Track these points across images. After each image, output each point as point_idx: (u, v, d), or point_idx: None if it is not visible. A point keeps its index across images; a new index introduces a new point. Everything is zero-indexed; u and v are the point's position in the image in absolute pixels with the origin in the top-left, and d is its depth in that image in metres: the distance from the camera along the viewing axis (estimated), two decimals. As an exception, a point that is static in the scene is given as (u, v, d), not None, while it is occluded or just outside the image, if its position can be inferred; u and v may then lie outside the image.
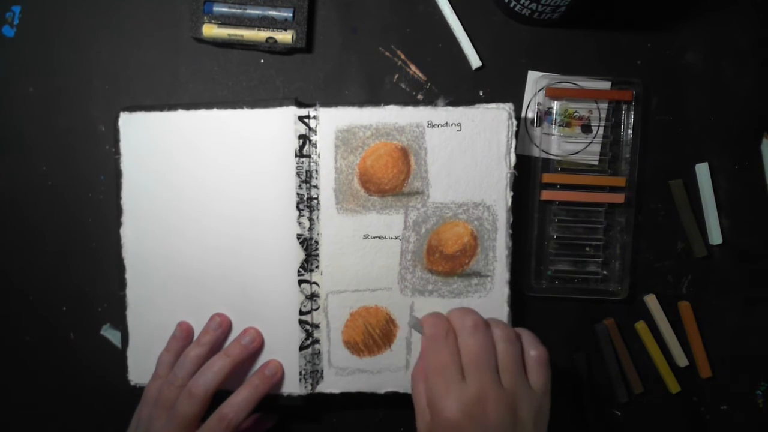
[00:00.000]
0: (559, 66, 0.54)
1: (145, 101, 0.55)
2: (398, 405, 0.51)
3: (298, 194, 0.50)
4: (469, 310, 0.45)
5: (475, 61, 0.54)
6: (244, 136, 0.50)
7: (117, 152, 0.52)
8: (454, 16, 0.54)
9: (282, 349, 0.51)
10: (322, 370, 0.51)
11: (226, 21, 0.53)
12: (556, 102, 0.54)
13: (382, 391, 0.51)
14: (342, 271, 0.51)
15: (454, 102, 0.51)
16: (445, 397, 0.41)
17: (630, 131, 0.53)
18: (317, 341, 0.51)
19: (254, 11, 0.53)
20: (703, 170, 0.54)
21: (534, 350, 0.44)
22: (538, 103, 0.54)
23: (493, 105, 0.50)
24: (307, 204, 0.50)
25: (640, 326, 0.55)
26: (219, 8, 0.53)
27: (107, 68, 0.55)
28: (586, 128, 0.54)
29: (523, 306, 0.54)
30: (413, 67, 0.54)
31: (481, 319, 0.44)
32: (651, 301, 0.54)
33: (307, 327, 0.51)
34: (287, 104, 0.50)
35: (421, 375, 0.44)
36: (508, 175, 0.50)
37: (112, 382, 0.54)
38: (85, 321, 0.56)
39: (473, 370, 0.42)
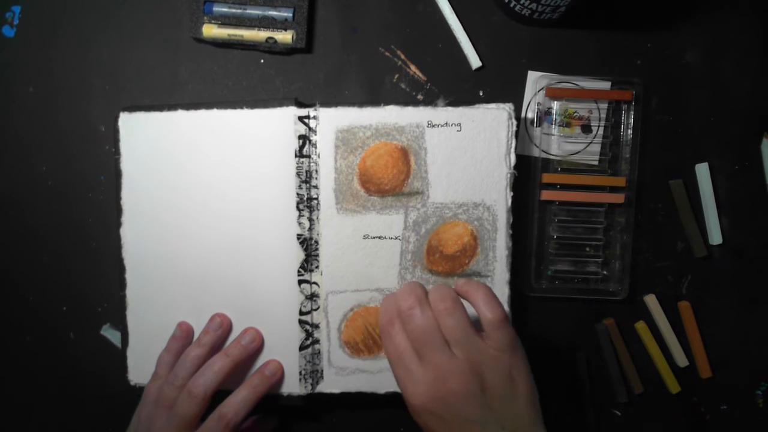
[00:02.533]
0: (559, 66, 0.54)
1: (145, 101, 0.55)
2: (398, 405, 0.51)
3: (298, 194, 0.50)
4: (409, 287, 0.43)
5: (475, 61, 0.54)
6: (244, 136, 0.50)
7: (117, 152, 0.52)
8: (454, 16, 0.54)
9: (282, 349, 0.51)
10: (322, 370, 0.51)
11: (226, 21, 0.53)
12: (556, 102, 0.54)
13: (382, 391, 0.51)
14: (342, 271, 0.51)
15: (454, 102, 0.51)
16: (408, 386, 0.41)
17: (630, 131, 0.53)
18: (317, 341, 0.51)
19: (254, 11, 0.53)
20: (703, 170, 0.54)
21: (489, 312, 0.41)
22: (538, 103, 0.54)
23: (493, 105, 0.50)
24: (307, 204, 0.50)
25: (640, 326, 0.55)
26: (219, 8, 0.53)
27: (107, 68, 0.55)
28: (586, 128, 0.54)
29: (523, 306, 0.54)
30: (413, 67, 0.54)
31: (418, 296, 0.42)
32: (651, 301, 0.54)
33: (307, 327, 0.51)
34: (287, 104, 0.50)
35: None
36: (508, 175, 0.50)
37: (112, 382, 0.54)
38: (85, 321, 0.56)
39: (423, 352, 0.41)
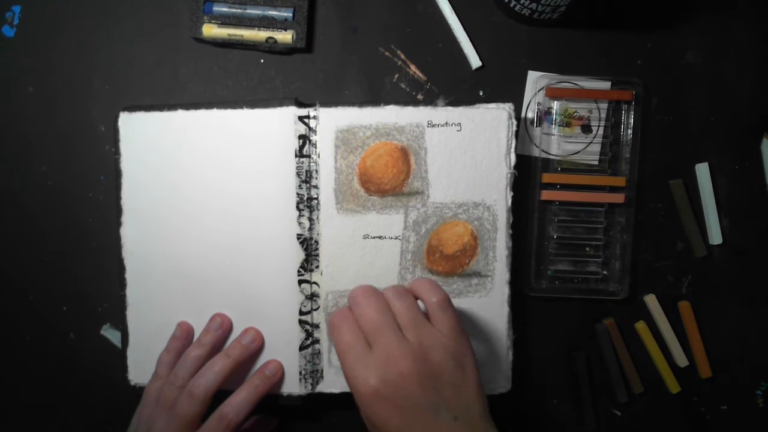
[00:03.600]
0: (559, 66, 0.54)
1: (145, 101, 0.55)
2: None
3: (298, 194, 0.50)
4: (362, 285, 0.44)
5: (475, 61, 0.54)
6: (244, 136, 0.50)
7: (117, 152, 0.52)
8: (454, 16, 0.54)
9: (282, 349, 0.51)
10: (322, 370, 0.51)
11: (226, 21, 0.53)
12: (556, 102, 0.54)
13: (382, 391, 0.51)
14: (342, 271, 0.51)
15: (454, 102, 0.51)
16: (358, 373, 0.40)
17: (630, 131, 0.53)
18: (317, 341, 0.51)
19: (254, 11, 0.53)
20: (703, 170, 0.54)
21: (434, 296, 0.43)
22: (538, 103, 0.54)
23: (493, 105, 0.50)
24: (307, 204, 0.50)
25: (640, 326, 0.55)
26: (219, 8, 0.53)
27: (107, 68, 0.55)
28: (586, 128, 0.54)
29: (523, 306, 0.54)
30: (413, 67, 0.54)
31: (370, 286, 0.44)
32: (651, 301, 0.54)
33: (307, 327, 0.51)
34: (287, 104, 0.50)
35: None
36: (508, 175, 0.50)
37: (112, 382, 0.54)
38: (85, 321, 0.56)
39: (375, 336, 0.41)
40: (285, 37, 0.53)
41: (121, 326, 0.52)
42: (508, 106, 0.50)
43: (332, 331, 0.43)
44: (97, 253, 0.56)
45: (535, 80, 0.54)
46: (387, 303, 0.43)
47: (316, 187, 0.50)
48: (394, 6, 0.54)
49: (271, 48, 0.54)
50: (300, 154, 0.50)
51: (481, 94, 0.54)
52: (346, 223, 0.50)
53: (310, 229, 0.50)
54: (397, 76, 0.55)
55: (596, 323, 0.55)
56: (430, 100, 0.54)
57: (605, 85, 0.53)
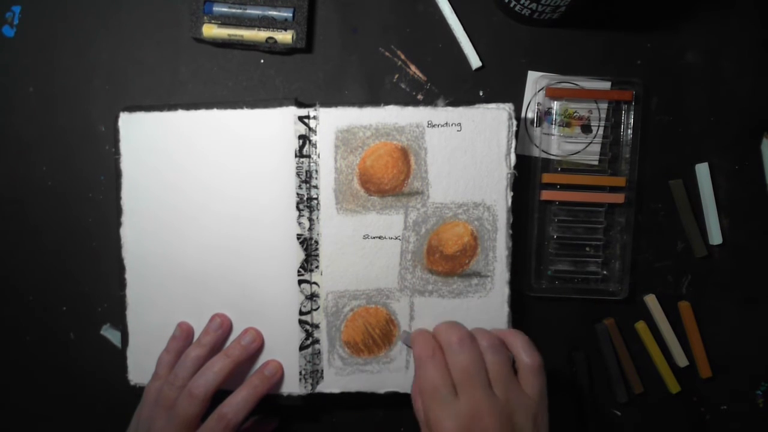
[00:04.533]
0: (559, 66, 0.54)
1: (145, 101, 0.55)
2: (398, 405, 0.51)
3: (298, 194, 0.50)
4: (455, 324, 0.45)
5: (475, 61, 0.54)
6: (244, 136, 0.50)
7: (117, 152, 0.52)
8: (454, 16, 0.54)
9: (282, 349, 0.51)
10: (322, 370, 0.51)
11: (226, 21, 0.53)
12: (556, 102, 0.54)
13: (382, 391, 0.51)
14: (342, 271, 0.51)
15: (454, 102, 0.51)
16: (440, 418, 0.41)
17: (630, 131, 0.53)
18: (317, 341, 0.51)
19: (254, 11, 0.53)
20: (703, 170, 0.54)
21: (528, 357, 0.43)
22: (538, 103, 0.54)
23: (493, 105, 0.50)
24: (307, 204, 0.50)
25: (640, 326, 0.55)
26: (219, 8, 0.53)
27: (107, 68, 0.55)
28: (586, 128, 0.54)
29: (523, 306, 0.54)
30: (413, 67, 0.54)
31: (467, 332, 0.44)
32: (651, 301, 0.54)
33: (307, 327, 0.51)
34: (287, 104, 0.50)
35: (417, 393, 0.44)
36: (508, 175, 0.50)
37: (112, 382, 0.54)
38: (85, 321, 0.56)
39: (464, 386, 0.42)
40: (285, 37, 0.53)
41: (121, 326, 0.52)
42: (508, 106, 0.50)
43: (419, 366, 0.44)
44: (97, 253, 0.56)
45: (535, 80, 0.54)
46: (481, 353, 0.43)
47: (316, 187, 0.50)
48: (394, 6, 0.54)
49: (271, 48, 0.54)
50: (300, 154, 0.50)
51: (481, 94, 0.54)
52: (346, 223, 0.50)
53: (310, 229, 0.50)
54: (397, 76, 0.55)
55: (596, 323, 0.55)
56: (430, 101, 0.54)
57: (605, 85, 0.53)
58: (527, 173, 0.54)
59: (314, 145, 0.50)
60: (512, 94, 0.54)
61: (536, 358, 0.43)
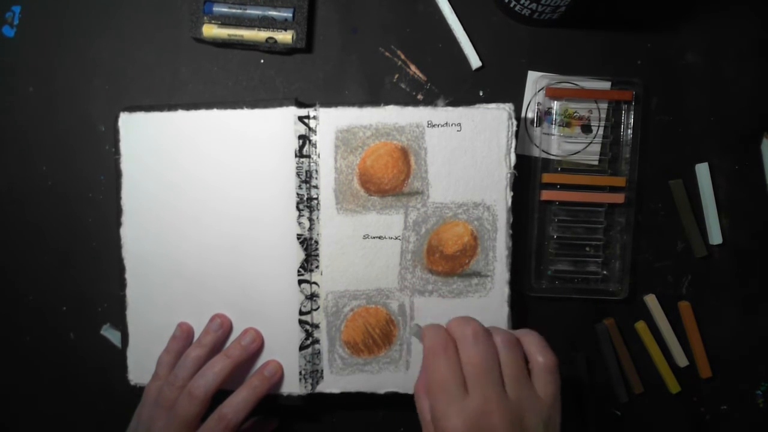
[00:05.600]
0: (559, 66, 0.54)
1: (145, 101, 0.55)
2: (398, 405, 0.51)
3: (298, 194, 0.50)
4: (469, 318, 0.43)
5: (475, 61, 0.54)
6: (244, 136, 0.50)
7: (117, 152, 0.52)
8: (454, 16, 0.54)
9: (282, 349, 0.51)
10: (322, 370, 0.51)
11: (226, 21, 0.53)
12: (556, 102, 0.54)
13: (381, 391, 0.51)
14: (342, 271, 0.51)
15: (454, 102, 0.51)
16: (448, 414, 0.39)
17: (630, 131, 0.53)
18: (317, 341, 0.51)
19: (254, 11, 0.53)
20: (703, 170, 0.54)
21: (542, 357, 0.41)
22: (538, 103, 0.54)
23: (493, 105, 0.50)
24: (307, 204, 0.50)
25: (640, 326, 0.55)
26: (219, 8, 0.53)
27: (107, 68, 0.55)
28: (586, 128, 0.54)
29: (523, 306, 0.54)
30: (413, 67, 0.54)
31: (482, 327, 0.42)
32: (651, 301, 0.54)
33: (307, 327, 0.51)
34: (287, 104, 0.50)
35: (422, 390, 0.42)
36: (508, 175, 0.50)
37: (112, 382, 0.54)
38: (85, 321, 0.56)
39: (476, 383, 0.40)
40: (285, 37, 0.53)
41: (121, 326, 0.52)
42: (508, 106, 0.50)
43: (429, 357, 0.41)
44: (97, 253, 0.56)
45: (535, 80, 0.54)
46: (495, 349, 0.41)
47: (316, 187, 0.50)
48: (394, 6, 0.54)
49: (271, 48, 0.54)
50: (300, 154, 0.50)
51: (481, 94, 0.54)
52: (346, 223, 0.50)
53: (310, 229, 0.50)
54: (397, 76, 0.55)
55: (596, 323, 0.55)
56: (430, 100, 0.54)
57: (605, 85, 0.53)
58: (527, 173, 0.54)
59: (314, 145, 0.50)
60: (512, 94, 0.54)
61: (552, 358, 0.41)
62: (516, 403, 0.40)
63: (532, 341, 0.42)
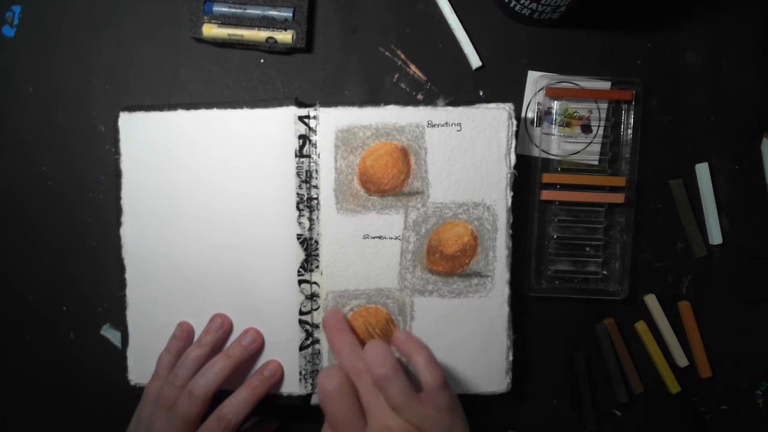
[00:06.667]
0: (559, 66, 0.54)
1: (145, 101, 0.55)
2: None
3: (298, 194, 0.50)
4: (358, 354, 0.45)
5: (475, 61, 0.54)
6: (244, 136, 0.50)
7: (117, 152, 0.52)
8: (454, 16, 0.54)
9: (282, 349, 0.51)
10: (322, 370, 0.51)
11: (226, 21, 0.53)
12: (556, 102, 0.54)
13: (382, 391, 0.51)
14: (342, 271, 0.51)
15: (454, 102, 0.51)
16: None
17: (630, 131, 0.53)
18: (317, 341, 0.51)
19: (254, 11, 0.53)
20: (703, 170, 0.54)
21: (431, 378, 0.43)
22: (538, 103, 0.54)
23: (493, 105, 0.50)
24: (307, 204, 0.50)
25: (640, 326, 0.55)
26: (219, 8, 0.53)
27: (107, 68, 0.55)
28: (586, 128, 0.54)
29: (523, 306, 0.54)
30: (413, 67, 0.54)
31: (361, 365, 0.44)
32: (651, 301, 0.54)
33: (307, 327, 0.51)
34: (287, 104, 0.50)
35: (328, 429, 0.45)
36: (508, 175, 0.50)
37: (112, 382, 0.54)
38: (85, 321, 0.56)
39: (370, 415, 0.43)
40: (285, 37, 0.53)
41: (121, 326, 0.52)
42: (508, 106, 0.50)
43: (326, 398, 0.44)
44: (97, 253, 0.56)
45: (535, 80, 0.54)
46: (376, 382, 0.43)
47: (316, 187, 0.50)
48: (394, 6, 0.54)
49: (271, 48, 0.54)
50: (300, 154, 0.50)
51: (481, 94, 0.54)
52: (346, 223, 0.50)
53: (310, 229, 0.50)
54: (397, 76, 0.55)
55: (596, 323, 0.55)
56: (430, 100, 0.54)
57: (605, 85, 0.53)
58: (527, 173, 0.54)
59: (314, 145, 0.50)
60: (512, 94, 0.54)
61: (438, 375, 0.43)
62: (415, 423, 0.42)
63: (419, 360, 0.44)
